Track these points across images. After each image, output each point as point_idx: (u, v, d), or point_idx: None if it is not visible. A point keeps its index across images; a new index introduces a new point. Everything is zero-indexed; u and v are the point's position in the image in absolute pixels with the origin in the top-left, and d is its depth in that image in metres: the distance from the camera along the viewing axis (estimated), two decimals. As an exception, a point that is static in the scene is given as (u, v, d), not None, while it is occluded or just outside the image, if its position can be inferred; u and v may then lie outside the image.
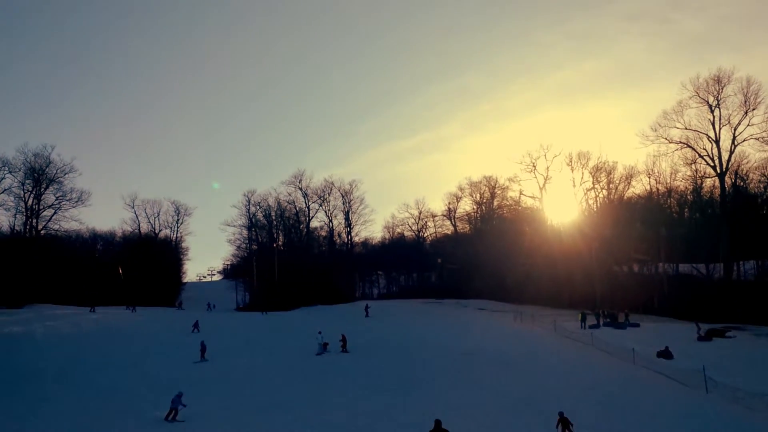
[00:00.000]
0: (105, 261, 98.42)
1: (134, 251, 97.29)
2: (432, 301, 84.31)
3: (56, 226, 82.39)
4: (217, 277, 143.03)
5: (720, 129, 69.95)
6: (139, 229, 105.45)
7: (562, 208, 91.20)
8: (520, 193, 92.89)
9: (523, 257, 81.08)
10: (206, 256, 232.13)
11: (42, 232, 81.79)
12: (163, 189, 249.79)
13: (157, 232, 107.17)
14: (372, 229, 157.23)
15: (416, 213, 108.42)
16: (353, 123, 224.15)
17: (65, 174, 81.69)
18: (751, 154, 75.27)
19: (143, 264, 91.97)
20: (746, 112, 68.23)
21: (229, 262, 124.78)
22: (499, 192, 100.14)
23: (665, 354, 39.46)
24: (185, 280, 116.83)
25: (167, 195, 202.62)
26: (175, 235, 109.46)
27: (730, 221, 68.11)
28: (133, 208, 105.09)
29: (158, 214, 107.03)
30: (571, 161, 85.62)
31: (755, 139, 68.23)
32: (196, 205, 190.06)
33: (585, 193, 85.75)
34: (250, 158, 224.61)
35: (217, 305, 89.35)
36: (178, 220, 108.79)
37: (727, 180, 71.72)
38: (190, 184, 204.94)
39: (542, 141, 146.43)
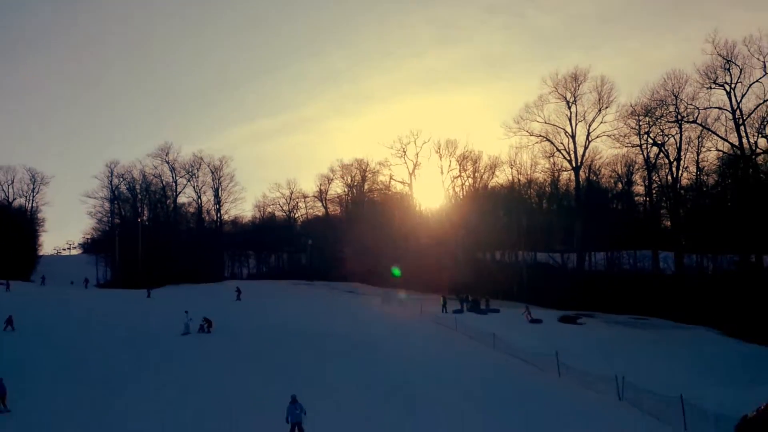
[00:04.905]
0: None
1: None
2: (302, 282, 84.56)
3: None
4: (76, 251, 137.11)
5: (576, 125, 73.59)
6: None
7: (431, 194, 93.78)
8: (390, 178, 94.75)
9: (392, 242, 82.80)
10: (65, 229, 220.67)
11: None
12: (18, 155, 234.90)
13: (10, 200, 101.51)
14: (242, 207, 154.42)
15: (287, 193, 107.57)
16: (220, 97, 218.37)
17: None
18: (603, 150, 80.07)
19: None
20: (600, 110, 72.22)
21: (89, 236, 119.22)
22: (369, 176, 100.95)
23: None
24: (41, 253, 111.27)
25: (22, 161, 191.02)
26: (30, 205, 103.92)
27: (583, 213, 71.92)
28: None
29: (12, 182, 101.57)
30: (439, 148, 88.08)
31: (607, 136, 72.13)
32: (53, 174, 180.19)
33: (452, 181, 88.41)
34: (113, 127, 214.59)
35: (76, 281, 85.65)
36: (33, 188, 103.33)
37: (582, 174, 75.76)
38: (47, 151, 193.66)
39: (411, 126, 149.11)
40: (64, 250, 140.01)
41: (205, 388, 27.86)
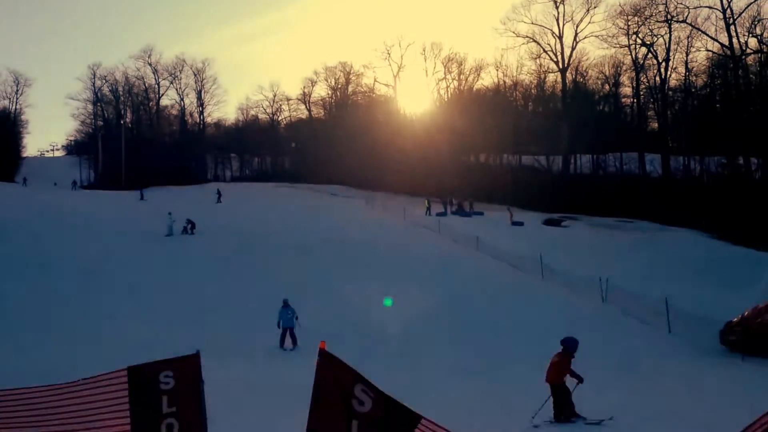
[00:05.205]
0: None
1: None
2: (285, 185, 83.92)
3: None
4: (59, 153, 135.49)
5: (563, 25, 72.80)
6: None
7: (416, 97, 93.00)
8: (375, 81, 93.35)
9: (376, 145, 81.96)
10: (48, 131, 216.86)
11: None
12: (1, 57, 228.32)
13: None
14: (225, 110, 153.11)
15: (271, 96, 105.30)
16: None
17: None
18: (591, 52, 79.54)
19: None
20: (588, 10, 71.44)
21: (72, 138, 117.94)
22: (354, 78, 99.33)
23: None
24: (25, 155, 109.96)
25: (5, 63, 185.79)
26: (13, 107, 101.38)
27: (569, 116, 71.37)
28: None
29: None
30: (424, 51, 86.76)
31: (595, 36, 71.40)
32: (36, 76, 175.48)
33: (437, 84, 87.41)
34: (95, 27, 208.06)
35: (59, 183, 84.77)
36: (17, 90, 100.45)
37: (568, 76, 75.12)
38: (30, 53, 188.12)
39: (396, 29, 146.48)
40: (48, 152, 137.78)
41: (186, 290, 27.51)
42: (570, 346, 13.45)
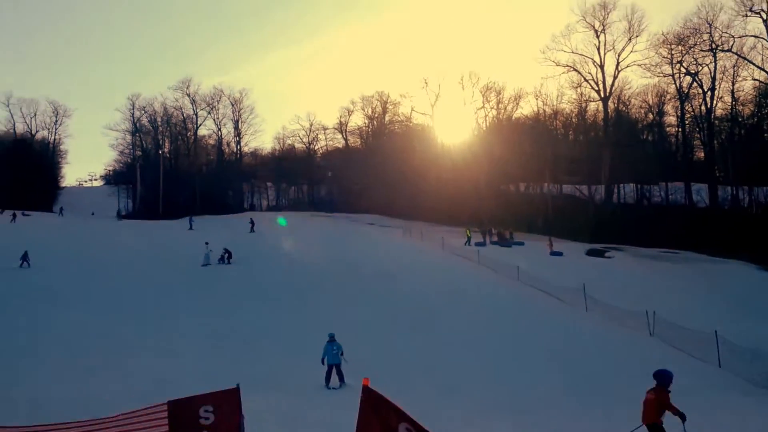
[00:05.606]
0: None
1: (9, 152, 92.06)
2: (322, 214, 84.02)
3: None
4: (98, 183, 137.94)
5: (605, 54, 72.57)
6: (14, 130, 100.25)
7: (453, 126, 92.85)
8: (412, 110, 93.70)
9: (413, 174, 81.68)
10: (87, 161, 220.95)
11: None
12: (41, 87, 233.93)
13: (33, 133, 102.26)
14: (262, 139, 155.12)
15: (307, 125, 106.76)
16: (239, 29, 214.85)
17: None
18: (633, 80, 79.18)
19: (18, 166, 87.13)
20: (630, 39, 71.00)
21: (111, 168, 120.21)
22: (390, 107, 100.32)
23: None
24: (64, 185, 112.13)
25: (45, 94, 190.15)
26: (53, 137, 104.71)
27: (611, 145, 70.67)
28: (8, 106, 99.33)
29: (35, 114, 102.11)
30: (462, 80, 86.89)
31: (638, 65, 71.01)
32: (75, 107, 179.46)
33: (475, 113, 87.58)
34: (134, 59, 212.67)
35: (98, 212, 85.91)
36: (56, 121, 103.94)
37: (610, 105, 74.67)
38: (69, 84, 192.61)
39: (433, 58, 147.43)
40: (86, 181, 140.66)
41: (223, 321, 27.02)
42: (665, 379, 11.96)
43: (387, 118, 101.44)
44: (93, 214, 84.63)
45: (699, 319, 27.30)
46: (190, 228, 63.69)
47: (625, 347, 25.18)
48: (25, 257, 38.74)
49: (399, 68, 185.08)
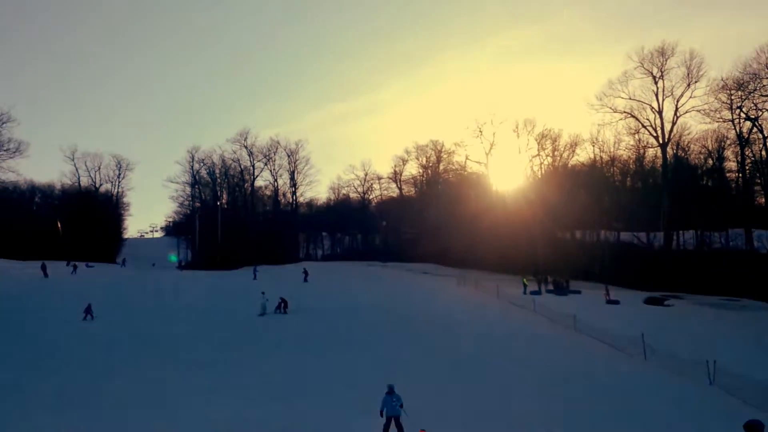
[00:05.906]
0: (43, 214, 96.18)
1: (74, 205, 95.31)
2: (376, 263, 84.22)
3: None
4: (158, 234, 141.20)
5: (663, 100, 71.43)
6: (79, 183, 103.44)
7: (508, 174, 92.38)
8: (466, 158, 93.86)
9: (467, 222, 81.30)
10: (148, 212, 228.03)
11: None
12: (105, 142, 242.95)
13: (97, 186, 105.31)
14: (317, 189, 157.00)
15: (362, 175, 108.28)
16: (296, 83, 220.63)
17: (2, 123, 79.78)
18: (692, 126, 77.70)
19: (83, 218, 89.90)
20: (689, 84, 69.61)
21: (171, 219, 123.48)
22: (445, 156, 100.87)
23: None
24: (126, 236, 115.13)
25: (109, 148, 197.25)
26: (116, 190, 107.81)
27: (670, 191, 69.39)
28: (73, 160, 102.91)
29: (99, 168, 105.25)
30: (517, 128, 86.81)
31: (697, 111, 69.55)
32: (138, 160, 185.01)
33: (530, 160, 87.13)
34: (194, 114, 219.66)
35: (158, 263, 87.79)
36: (119, 174, 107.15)
37: (669, 151, 73.24)
38: (132, 138, 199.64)
39: (487, 106, 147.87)
40: (147, 233, 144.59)
41: (277, 370, 26.87)
42: (758, 430, 11.63)
43: (441, 167, 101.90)
44: (154, 264, 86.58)
45: (760, 368, 26.53)
46: (254, 278, 64.29)
47: (684, 397, 24.35)
48: (88, 310, 39.30)
49: (454, 117, 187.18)
